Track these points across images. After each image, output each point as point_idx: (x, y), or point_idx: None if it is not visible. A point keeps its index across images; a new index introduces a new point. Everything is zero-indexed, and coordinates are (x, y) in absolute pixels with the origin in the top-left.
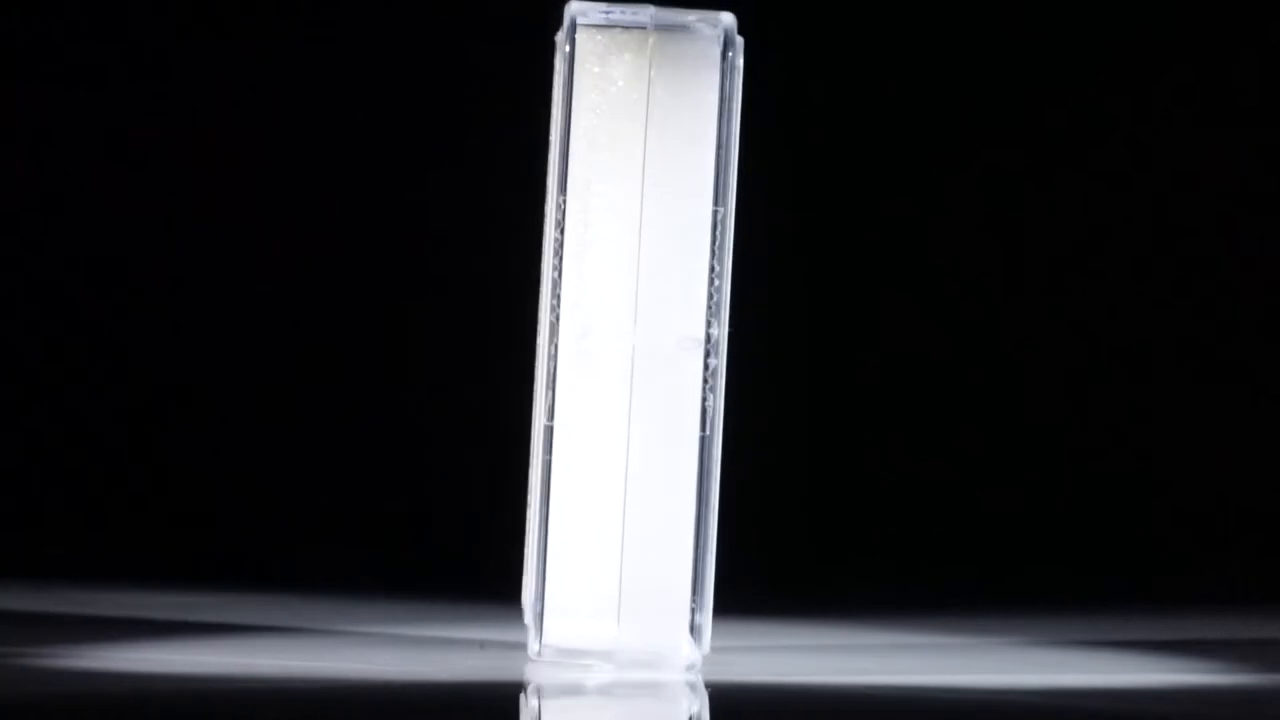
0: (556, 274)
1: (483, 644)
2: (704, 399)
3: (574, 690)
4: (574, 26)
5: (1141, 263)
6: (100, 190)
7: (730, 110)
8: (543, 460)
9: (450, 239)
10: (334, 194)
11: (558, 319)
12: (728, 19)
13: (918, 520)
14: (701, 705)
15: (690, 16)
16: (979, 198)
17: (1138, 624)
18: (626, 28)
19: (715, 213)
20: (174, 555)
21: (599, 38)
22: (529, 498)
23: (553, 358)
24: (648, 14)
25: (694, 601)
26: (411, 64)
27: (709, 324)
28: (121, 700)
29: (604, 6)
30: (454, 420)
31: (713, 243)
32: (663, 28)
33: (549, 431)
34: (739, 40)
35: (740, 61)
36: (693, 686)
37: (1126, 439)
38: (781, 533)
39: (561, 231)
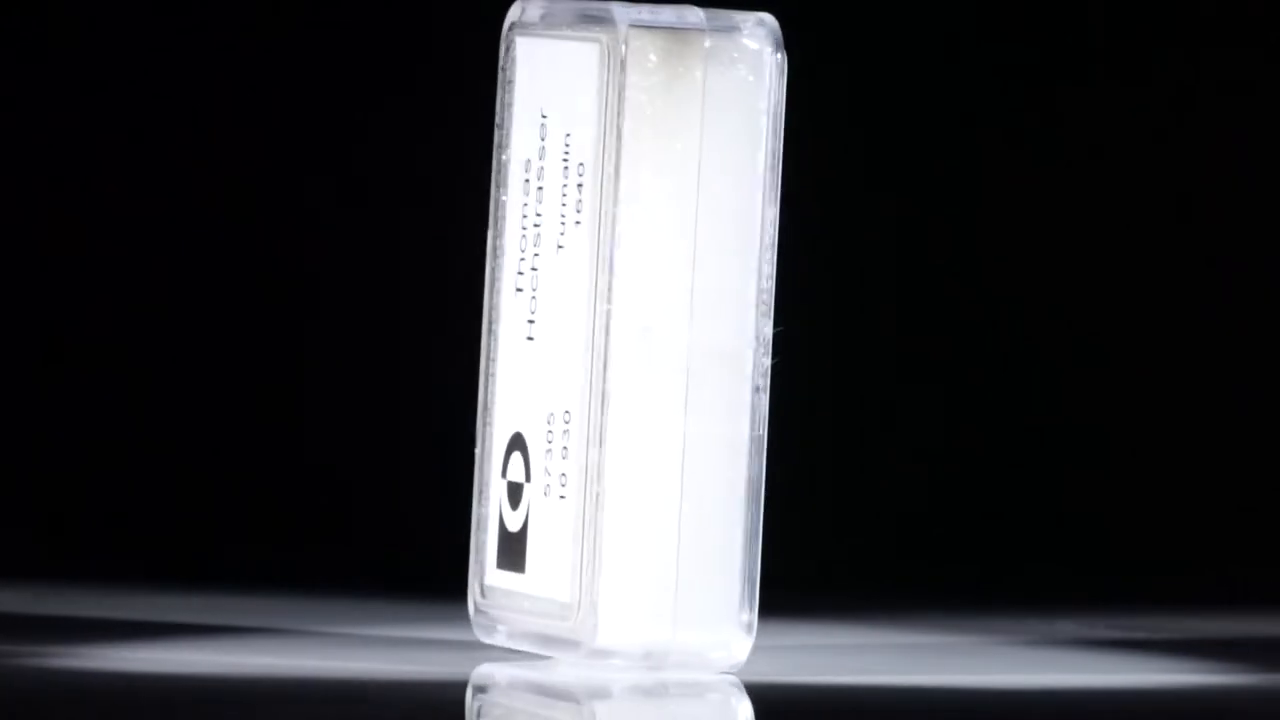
0: (608, 274)
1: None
2: (755, 398)
3: (633, 693)
4: (624, 28)
5: (1144, 263)
6: (100, 185)
7: (778, 110)
8: (595, 459)
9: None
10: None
11: (609, 317)
12: (771, 20)
13: (921, 519)
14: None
15: (739, 18)
16: (1021, 194)
17: (1138, 624)
18: (677, 29)
19: (768, 213)
20: (174, 555)
21: (648, 39)
22: (568, 495)
23: (601, 356)
24: (698, 15)
25: (746, 602)
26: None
27: (761, 323)
28: (122, 700)
29: (649, 7)
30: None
31: (764, 242)
32: (715, 30)
33: (601, 429)
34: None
35: (785, 62)
36: (738, 687)
37: (1127, 439)
38: (804, 532)
39: (613, 231)
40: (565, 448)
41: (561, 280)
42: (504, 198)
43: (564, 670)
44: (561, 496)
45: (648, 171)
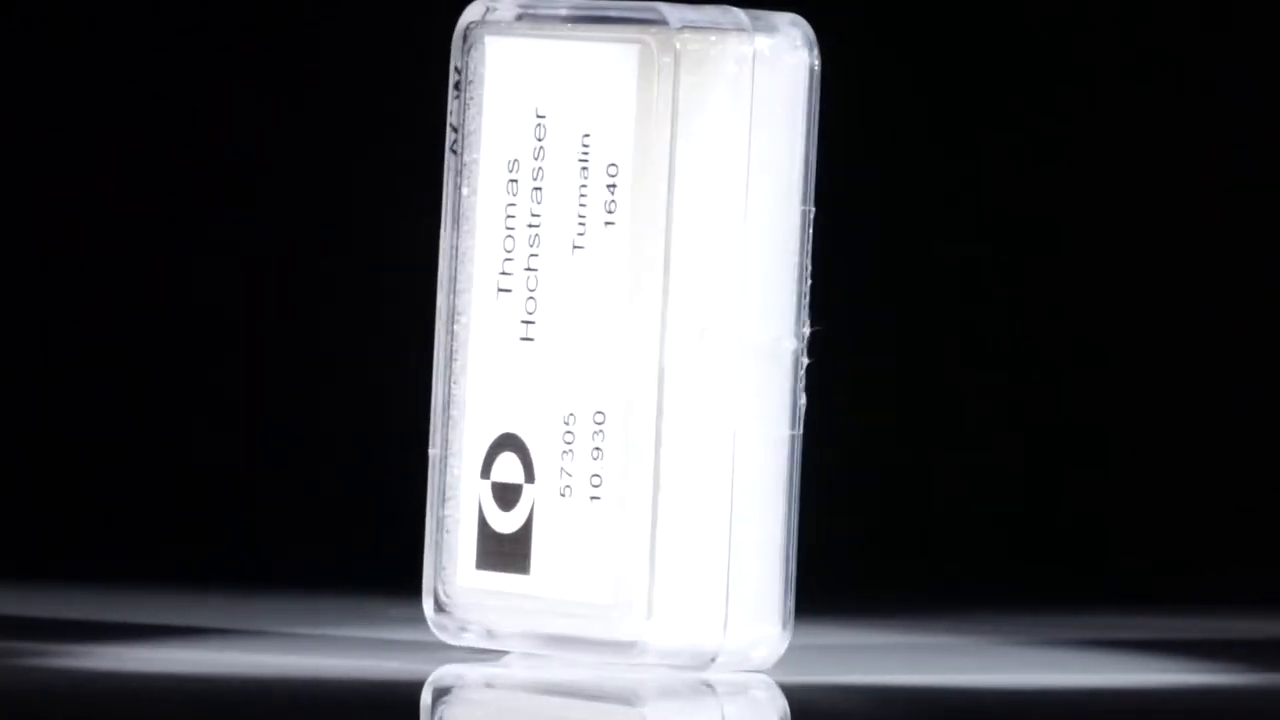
0: (664, 275)
1: None
2: (795, 397)
3: (675, 692)
4: (677, 28)
5: (1144, 263)
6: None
7: (814, 109)
8: (649, 460)
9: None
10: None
11: (667, 318)
12: (803, 21)
13: (920, 519)
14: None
15: (777, 18)
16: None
17: (1138, 624)
18: (726, 29)
19: (805, 212)
20: (173, 556)
21: (697, 39)
22: (615, 496)
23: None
24: (742, 16)
25: (786, 602)
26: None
27: (801, 322)
28: (122, 700)
29: (691, 8)
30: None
31: (803, 242)
32: (759, 30)
33: (659, 431)
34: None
35: (819, 63)
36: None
37: (1127, 439)
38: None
39: (670, 232)
40: (598, 449)
41: (582, 281)
42: (473, 198)
43: (583, 670)
44: (594, 498)
45: (699, 171)
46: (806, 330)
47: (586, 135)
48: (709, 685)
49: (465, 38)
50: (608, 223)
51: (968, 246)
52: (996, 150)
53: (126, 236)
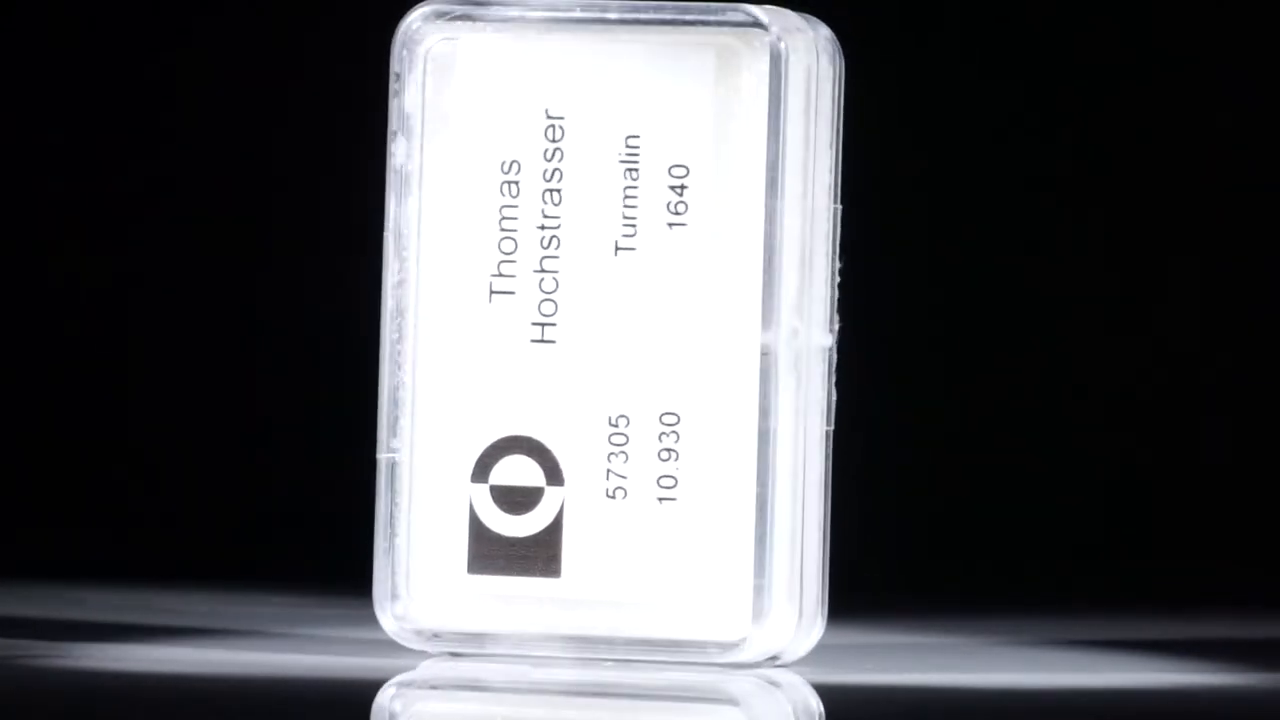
0: (770, 277)
1: None
2: (830, 394)
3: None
4: (776, 31)
5: (1144, 263)
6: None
7: (840, 108)
8: (737, 462)
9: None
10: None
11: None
12: (821, 24)
13: (917, 520)
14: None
15: (805, 20)
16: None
17: (1138, 624)
18: (748, 26)
19: (835, 210)
20: (174, 556)
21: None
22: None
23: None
24: (795, 18)
25: (824, 598)
26: None
27: (832, 320)
28: (122, 700)
29: (761, 9)
30: None
31: (833, 240)
32: (785, 31)
33: (766, 431)
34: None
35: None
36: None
37: (1127, 438)
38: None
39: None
40: (670, 450)
41: (631, 282)
42: (441, 201)
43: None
44: (665, 499)
45: (777, 171)
46: (836, 327)
47: (633, 136)
48: (772, 683)
49: (409, 35)
50: (670, 224)
51: (965, 245)
52: (1013, 147)
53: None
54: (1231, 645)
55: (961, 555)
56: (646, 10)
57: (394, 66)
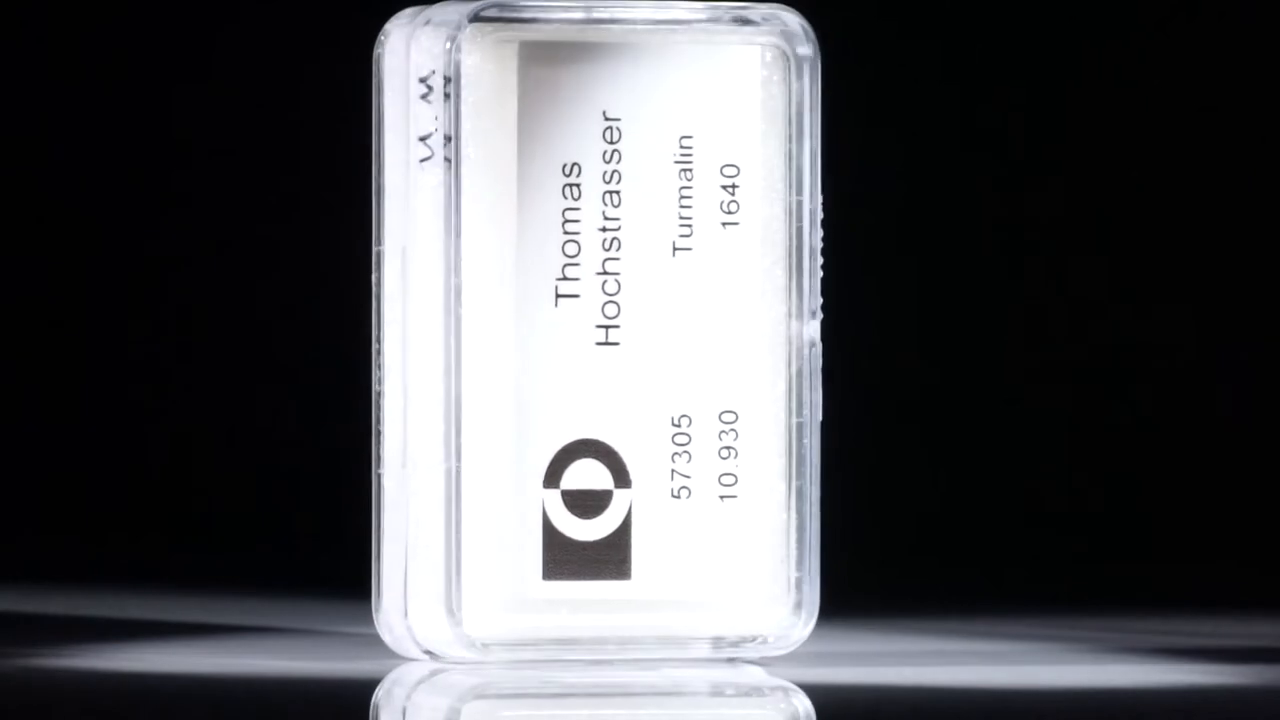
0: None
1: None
2: (815, 386)
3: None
4: (799, 30)
5: (1144, 262)
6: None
7: (817, 103)
8: (790, 457)
9: None
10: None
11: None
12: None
13: (917, 519)
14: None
15: (797, 18)
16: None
17: (1138, 624)
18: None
19: (806, 204)
20: (174, 556)
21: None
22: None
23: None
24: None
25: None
26: None
27: (814, 312)
28: (122, 700)
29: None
30: None
31: (814, 234)
32: (803, 29)
33: (800, 428)
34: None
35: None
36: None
37: (1128, 438)
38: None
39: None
40: (729, 448)
41: (689, 282)
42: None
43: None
44: (725, 497)
45: (808, 171)
46: (819, 319)
47: (687, 137)
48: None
49: (453, 42)
50: (724, 224)
51: (960, 243)
52: (1004, 146)
53: (107, 238)
54: (1231, 645)
55: (958, 556)
56: (684, 10)
57: (446, 71)
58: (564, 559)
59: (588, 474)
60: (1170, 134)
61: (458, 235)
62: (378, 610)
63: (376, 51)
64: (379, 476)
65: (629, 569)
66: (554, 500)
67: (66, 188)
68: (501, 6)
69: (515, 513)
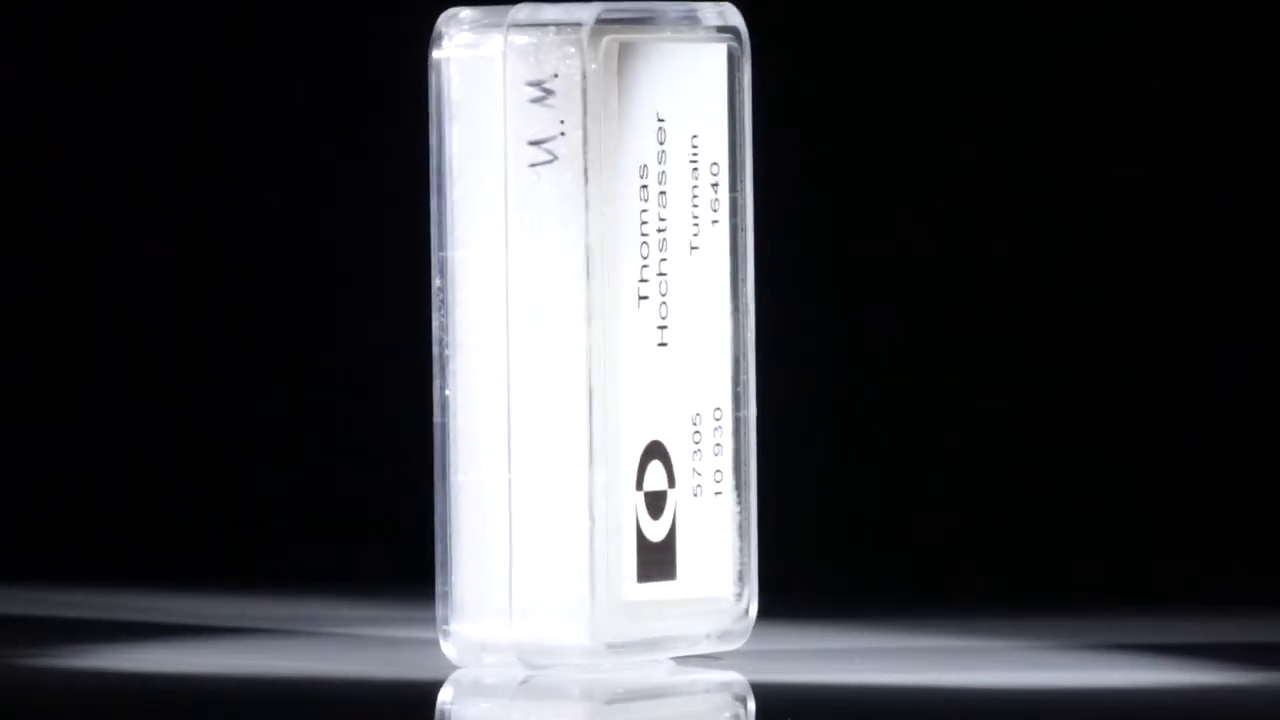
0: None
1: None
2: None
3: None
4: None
5: (1141, 262)
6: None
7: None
8: (743, 451)
9: None
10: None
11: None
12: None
13: (914, 520)
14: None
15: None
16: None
17: (1138, 624)
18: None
19: (733, 198)
20: (174, 556)
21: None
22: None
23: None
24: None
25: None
26: None
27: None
28: (122, 700)
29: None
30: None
31: (734, 227)
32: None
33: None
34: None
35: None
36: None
37: (1127, 439)
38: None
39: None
40: (719, 445)
41: (700, 281)
42: (605, 209)
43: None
44: (717, 493)
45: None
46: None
47: (695, 136)
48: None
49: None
50: (714, 221)
51: (955, 242)
52: (961, 138)
53: (131, 239)
54: (1231, 645)
55: (956, 556)
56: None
57: (533, 76)
58: (647, 560)
59: (657, 475)
60: (1170, 134)
61: (587, 237)
62: (450, 620)
63: (435, 55)
64: (455, 484)
65: (675, 569)
66: (640, 503)
67: (68, 188)
68: (621, 9)
69: (613, 517)
